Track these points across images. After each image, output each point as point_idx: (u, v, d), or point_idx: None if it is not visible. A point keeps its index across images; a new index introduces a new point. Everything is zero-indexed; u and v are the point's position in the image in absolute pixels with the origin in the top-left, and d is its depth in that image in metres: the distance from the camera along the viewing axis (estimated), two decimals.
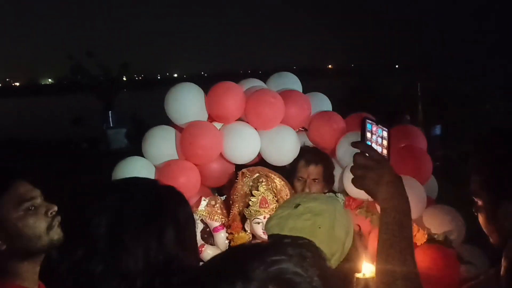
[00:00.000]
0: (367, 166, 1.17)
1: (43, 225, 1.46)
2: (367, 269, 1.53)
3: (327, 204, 1.31)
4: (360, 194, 2.22)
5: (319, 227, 1.23)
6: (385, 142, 1.27)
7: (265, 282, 0.65)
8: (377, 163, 1.18)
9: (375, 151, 1.20)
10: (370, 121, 1.26)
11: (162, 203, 1.14)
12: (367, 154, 1.19)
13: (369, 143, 1.22)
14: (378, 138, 1.26)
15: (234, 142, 2.39)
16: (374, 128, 1.26)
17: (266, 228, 1.31)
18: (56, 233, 1.48)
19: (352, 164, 1.20)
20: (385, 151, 1.26)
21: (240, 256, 0.71)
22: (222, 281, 0.66)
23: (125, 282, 1.05)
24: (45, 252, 1.48)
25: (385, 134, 1.28)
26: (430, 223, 2.18)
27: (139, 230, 1.08)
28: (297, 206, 1.28)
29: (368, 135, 1.24)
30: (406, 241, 1.12)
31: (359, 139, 1.22)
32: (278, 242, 0.95)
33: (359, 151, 1.20)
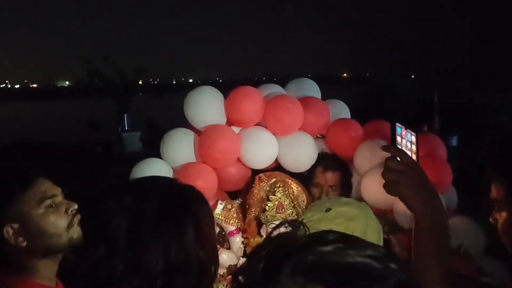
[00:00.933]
0: (399, 171, 1.14)
1: (63, 222, 1.47)
2: None
3: (359, 209, 1.29)
4: (377, 202, 2.20)
5: (352, 232, 1.20)
6: (414, 147, 1.25)
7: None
8: (409, 167, 1.15)
9: (407, 155, 1.18)
10: (400, 125, 1.23)
11: (181, 202, 1.14)
12: (398, 158, 1.15)
13: (399, 147, 1.20)
14: (407, 142, 1.24)
15: (252, 147, 2.40)
16: (403, 132, 1.24)
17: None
18: (76, 232, 1.50)
19: (383, 169, 1.17)
20: (414, 156, 1.23)
21: None
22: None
23: (145, 282, 1.05)
24: (65, 250, 1.49)
25: (413, 138, 1.26)
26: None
27: (159, 229, 1.08)
28: (328, 210, 1.26)
29: (398, 139, 1.22)
30: (442, 248, 1.09)
31: (383, 143, 1.20)
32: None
33: (389, 155, 1.17)
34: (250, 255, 0.73)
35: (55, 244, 1.46)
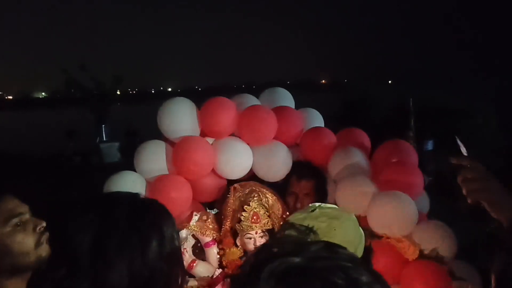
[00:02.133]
0: (482, 179, 1.19)
1: (31, 241, 1.44)
2: None
3: (341, 211, 1.34)
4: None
5: (334, 229, 1.25)
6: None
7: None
8: (490, 175, 1.20)
9: (480, 164, 1.24)
10: (457, 137, 1.33)
11: (144, 217, 1.14)
12: (471, 167, 1.22)
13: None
14: (465, 152, 1.33)
15: (227, 158, 2.40)
16: (460, 143, 1.33)
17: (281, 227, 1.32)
18: (45, 250, 1.46)
19: (462, 179, 1.23)
20: None
21: None
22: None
23: None
24: (33, 268, 1.46)
25: (464, 149, 1.34)
26: (421, 238, 2.18)
27: (122, 245, 1.07)
28: (313, 210, 1.31)
29: (463, 150, 1.30)
30: None
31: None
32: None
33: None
34: (245, 259, 0.84)
35: (22, 263, 1.43)
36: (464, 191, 1.23)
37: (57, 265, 1.08)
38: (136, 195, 1.24)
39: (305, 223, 1.24)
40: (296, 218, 1.30)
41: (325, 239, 1.20)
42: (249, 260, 0.76)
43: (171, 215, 1.21)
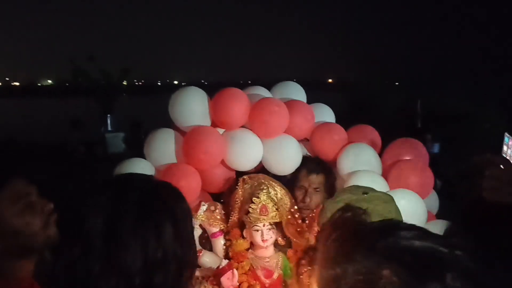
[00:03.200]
0: (502, 179, 1.19)
1: (38, 222, 1.43)
2: None
3: (390, 196, 1.34)
4: None
5: (390, 212, 1.25)
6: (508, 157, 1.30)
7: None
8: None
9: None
10: (508, 135, 1.30)
11: (158, 199, 1.13)
12: (502, 167, 1.20)
13: (504, 155, 1.25)
14: (508, 151, 1.30)
15: (237, 149, 2.39)
16: (510, 143, 1.30)
17: (330, 208, 1.30)
18: (53, 231, 1.46)
19: (485, 176, 1.23)
20: None
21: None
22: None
23: (123, 280, 1.04)
24: (40, 250, 1.46)
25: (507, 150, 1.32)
26: None
27: (136, 227, 1.06)
28: (365, 193, 1.30)
29: (505, 148, 1.28)
30: None
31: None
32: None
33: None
34: (318, 237, 0.84)
35: (30, 245, 1.41)
36: (486, 187, 1.22)
37: (71, 245, 1.08)
38: (150, 177, 1.23)
39: (362, 205, 1.25)
40: (349, 199, 1.29)
41: None
42: (332, 235, 0.76)
43: (185, 198, 1.20)
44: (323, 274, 0.75)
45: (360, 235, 0.72)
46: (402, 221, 0.84)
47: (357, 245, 0.70)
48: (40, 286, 1.51)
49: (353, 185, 1.66)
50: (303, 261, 2.22)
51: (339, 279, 0.70)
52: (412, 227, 0.76)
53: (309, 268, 2.19)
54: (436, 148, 6.73)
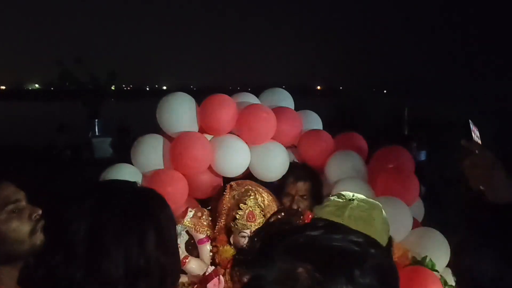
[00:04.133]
0: (488, 166, 1.25)
1: (26, 228, 1.41)
2: None
3: (377, 203, 1.36)
4: None
5: (374, 219, 1.27)
6: (479, 141, 1.35)
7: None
8: (495, 162, 1.25)
9: (488, 151, 1.27)
10: (471, 122, 1.34)
11: (142, 206, 1.13)
12: (479, 153, 1.25)
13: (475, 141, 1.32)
14: (476, 138, 1.35)
15: (224, 155, 2.39)
16: (473, 128, 1.32)
17: (318, 213, 1.32)
18: (39, 238, 1.43)
19: (468, 164, 1.29)
20: None
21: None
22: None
23: (106, 287, 1.03)
24: (26, 256, 1.44)
25: (478, 133, 1.36)
26: (415, 245, 2.19)
27: (119, 234, 1.06)
28: (351, 200, 1.32)
29: (473, 135, 1.31)
30: None
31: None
32: None
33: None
34: (251, 236, 0.90)
35: (16, 251, 1.40)
36: (468, 175, 1.26)
37: (53, 252, 1.07)
38: (133, 184, 1.23)
39: (347, 211, 1.26)
40: (336, 204, 1.31)
41: (366, 228, 1.20)
42: (257, 237, 0.80)
43: (169, 205, 1.19)
44: (245, 275, 0.78)
45: (278, 235, 0.74)
46: (320, 219, 0.89)
47: (275, 245, 0.73)
48: None
49: (341, 192, 1.68)
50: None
51: (259, 280, 0.72)
52: (326, 225, 0.80)
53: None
54: (422, 156, 6.79)
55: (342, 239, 0.73)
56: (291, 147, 2.64)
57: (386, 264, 0.74)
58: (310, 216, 1.38)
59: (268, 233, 0.77)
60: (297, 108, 2.76)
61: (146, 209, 1.13)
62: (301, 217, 2.23)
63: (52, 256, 1.06)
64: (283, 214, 0.93)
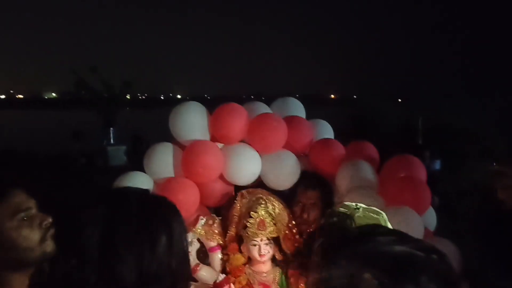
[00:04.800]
0: None
1: (36, 236, 1.43)
2: None
3: (380, 212, 1.38)
4: None
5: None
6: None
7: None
8: None
9: None
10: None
11: (154, 212, 1.14)
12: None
13: None
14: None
15: (235, 163, 2.41)
16: None
17: (330, 221, 1.34)
18: (49, 246, 1.45)
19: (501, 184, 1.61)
20: None
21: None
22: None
23: None
24: (36, 264, 1.46)
25: None
26: None
27: (132, 239, 1.07)
28: (356, 209, 1.35)
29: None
30: None
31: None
32: None
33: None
34: (305, 241, 0.99)
35: (27, 258, 1.42)
36: (502, 195, 1.40)
37: (67, 257, 1.08)
38: (146, 191, 1.24)
39: (356, 218, 1.28)
40: (343, 211, 1.34)
41: None
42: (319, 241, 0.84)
43: (180, 213, 1.21)
44: (311, 278, 0.83)
45: (342, 240, 0.77)
46: (381, 225, 0.91)
47: (340, 250, 0.76)
48: None
49: (345, 203, 1.70)
50: (292, 265, 2.23)
51: (325, 283, 0.76)
52: (390, 232, 0.83)
53: (298, 271, 2.20)
54: (436, 165, 6.73)
55: (407, 245, 0.75)
56: (302, 155, 2.64)
57: (448, 270, 0.76)
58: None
59: (328, 238, 0.81)
60: (311, 117, 2.76)
61: (159, 215, 1.15)
62: (312, 225, 2.25)
63: (66, 260, 1.08)
64: (335, 219, 0.97)
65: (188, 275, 1.17)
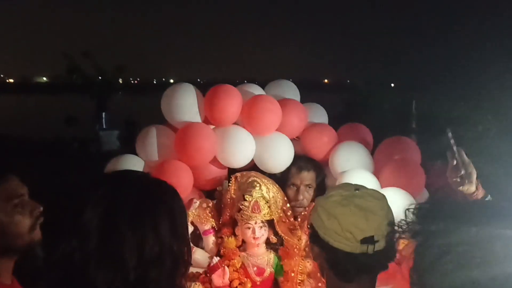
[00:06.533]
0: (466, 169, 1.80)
1: (27, 224, 1.43)
2: None
3: (382, 194, 1.38)
4: None
5: (379, 209, 1.28)
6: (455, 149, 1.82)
7: None
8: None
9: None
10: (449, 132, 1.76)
11: (156, 195, 1.15)
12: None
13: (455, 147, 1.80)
14: (454, 146, 1.80)
15: (229, 146, 2.39)
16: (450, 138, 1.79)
17: (322, 204, 1.32)
18: (37, 234, 1.46)
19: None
20: None
21: None
22: None
23: (120, 273, 1.04)
24: (22, 251, 1.46)
25: (454, 144, 1.81)
26: None
27: (134, 221, 1.07)
28: (356, 189, 1.34)
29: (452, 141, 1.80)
30: None
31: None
32: None
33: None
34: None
35: (15, 245, 1.42)
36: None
37: (67, 239, 1.08)
38: (147, 174, 1.25)
39: (355, 200, 1.28)
40: (342, 194, 1.32)
41: (370, 217, 1.25)
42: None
43: (179, 194, 1.22)
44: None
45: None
46: None
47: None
48: (19, 282, 1.51)
49: (345, 182, 1.69)
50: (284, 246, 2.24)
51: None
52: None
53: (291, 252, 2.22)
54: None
55: None
56: (295, 139, 2.62)
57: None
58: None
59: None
60: (306, 101, 2.74)
61: (159, 197, 1.15)
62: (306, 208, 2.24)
63: (67, 242, 1.07)
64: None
65: (189, 258, 1.17)
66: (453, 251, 0.88)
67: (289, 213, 2.30)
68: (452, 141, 1.81)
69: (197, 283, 2.22)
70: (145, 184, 1.18)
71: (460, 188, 1.82)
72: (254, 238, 2.20)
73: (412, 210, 1.09)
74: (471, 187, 1.81)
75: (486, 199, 1.84)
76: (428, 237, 0.96)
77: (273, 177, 2.43)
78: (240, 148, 2.41)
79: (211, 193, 2.59)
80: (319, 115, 2.71)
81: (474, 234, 0.89)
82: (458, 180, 1.82)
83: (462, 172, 1.81)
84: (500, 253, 0.87)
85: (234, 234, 2.30)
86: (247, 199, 2.21)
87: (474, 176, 1.82)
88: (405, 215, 1.11)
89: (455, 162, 1.82)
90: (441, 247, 0.91)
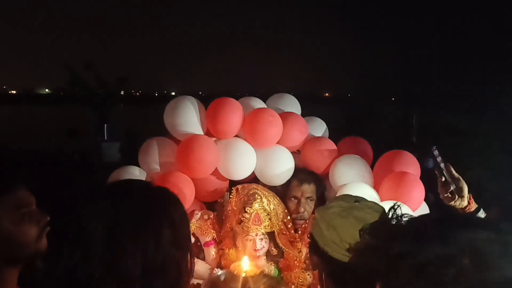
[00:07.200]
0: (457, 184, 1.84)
1: (33, 234, 1.44)
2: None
3: (381, 207, 1.38)
4: None
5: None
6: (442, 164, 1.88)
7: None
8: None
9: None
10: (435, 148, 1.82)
11: (157, 204, 1.15)
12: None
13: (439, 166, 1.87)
14: (440, 161, 1.88)
15: (230, 158, 2.41)
16: (436, 153, 1.85)
17: (321, 215, 1.33)
18: (43, 245, 1.46)
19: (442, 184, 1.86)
20: None
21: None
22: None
23: (124, 285, 1.05)
24: (28, 260, 1.46)
25: (440, 160, 1.88)
26: None
27: (136, 232, 1.08)
28: (356, 201, 1.35)
29: (438, 159, 1.85)
30: None
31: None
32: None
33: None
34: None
35: (21, 254, 1.42)
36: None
37: (71, 251, 1.08)
38: (148, 183, 1.25)
39: (354, 212, 1.29)
40: (342, 205, 1.33)
41: None
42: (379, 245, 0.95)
43: (182, 203, 1.22)
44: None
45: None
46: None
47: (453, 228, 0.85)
48: None
49: (345, 194, 1.70)
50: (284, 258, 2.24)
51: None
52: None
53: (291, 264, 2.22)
54: (430, 163, 6.77)
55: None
56: (295, 152, 2.64)
57: None
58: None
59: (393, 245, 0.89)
60: (306, 114, 2.76)
61: (161, 206, 1.15)
62: (307, 221, 2.24)
63: (70, 255, 1.08)
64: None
65: (192, 266, 1.17)
66: (425, 270, 0.83)
67: (289, 226, 2.31)
68: (439, 159, 1.85)
69: None
70: (146, 194, 1.18)
71: (452, 203, 1.84)
72: (254, 250, 2.21)
73: (367, 230, 1.09)
74: (463, 202, 1.84)
75: (479, 213, 1.85)
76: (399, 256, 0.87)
77: (274, 189, 2.45)
78: (242, 160, 2.43)
79: (212, 204, 2.60)
80: (320, 128, 2.74)
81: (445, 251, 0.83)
82: (449, 195, 1.85)
83: (452, 187, 1.83)
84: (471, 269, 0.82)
85: (235, 246, 2.30)
86: (248, 211, 2.23)
87: (465, 190, 1.84)
88: (360, 235, 1.12)
89: (443, 179, 1.85)
90: (413, 267, 0.84)
